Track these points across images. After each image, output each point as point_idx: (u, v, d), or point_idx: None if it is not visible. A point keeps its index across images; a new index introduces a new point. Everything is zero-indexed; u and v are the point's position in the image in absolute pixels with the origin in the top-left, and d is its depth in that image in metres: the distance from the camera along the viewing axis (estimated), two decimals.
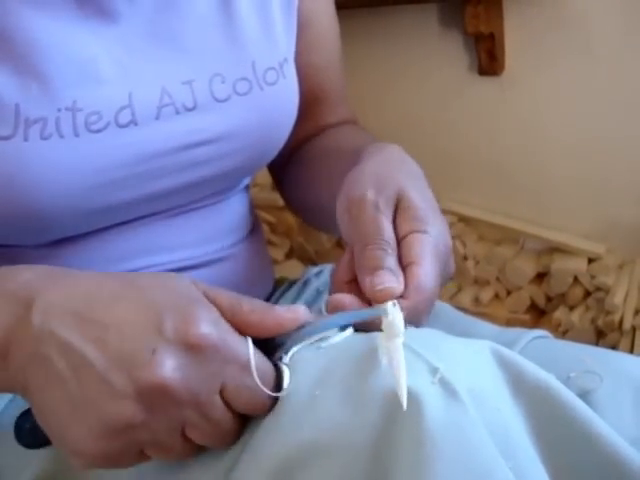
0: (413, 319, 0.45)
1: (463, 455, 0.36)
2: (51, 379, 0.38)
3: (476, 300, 1.29)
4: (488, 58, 1.11)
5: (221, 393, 0.39)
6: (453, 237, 1.34)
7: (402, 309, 0.42)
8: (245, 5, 0.58)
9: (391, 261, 0.45)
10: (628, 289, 1.15)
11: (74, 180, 0.50)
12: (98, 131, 0.50)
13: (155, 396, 0.37)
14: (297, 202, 0.76)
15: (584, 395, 0.49)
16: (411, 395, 0.37)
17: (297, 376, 0.40)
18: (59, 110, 0.49)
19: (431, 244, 0.47)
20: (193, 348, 0.37)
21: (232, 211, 0.67)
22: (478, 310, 1.25)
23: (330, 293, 0.48)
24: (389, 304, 0.42)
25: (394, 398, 0.37)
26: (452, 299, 1.29)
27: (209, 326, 0.38)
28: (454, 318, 0.68)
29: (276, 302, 0.72)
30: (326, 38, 0.70)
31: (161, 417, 0.38)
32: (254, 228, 0.72)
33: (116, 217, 0.56)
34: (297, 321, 0.42)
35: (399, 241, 0.47)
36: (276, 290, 0.75)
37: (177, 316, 0.38)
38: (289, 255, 1.48)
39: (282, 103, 0.61)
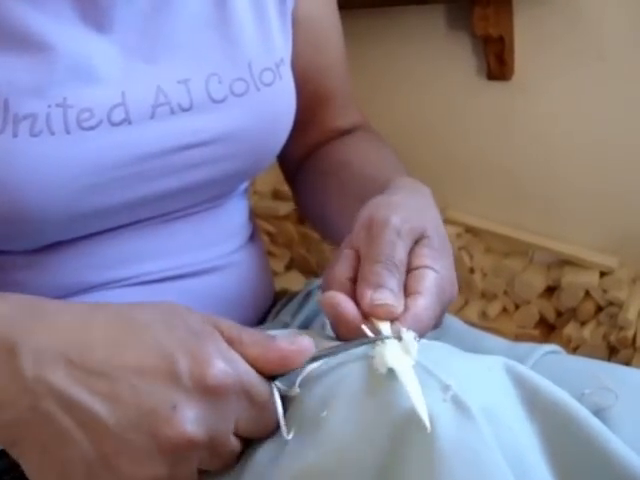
0: None
1: (475, 476, 0.34)
2: (57, 438, 0.35)
3: (483, 314, 1.27)
4: (497, 62, 1.10)
5: (235, 427, 0.38)
6: (460, 248, 1.33)
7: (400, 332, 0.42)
8: (241, 5, 0.58)
9: (394, 283, 0.45)
10: None
11: (64, 179, 0.49)
12: (90, 128, 0.50)
13: (179, 451, 0.35)
14: (306, 209, 0.77)
15: (599, 412, 0.48)
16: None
17: (303, 397, 0.39)
18: (49, 106, 0.48)
19: (438, 284, 0.47)
20: (211, 392, 0.36)
21: (229, 217, 0.66)
22: (485, 325, 1.23)
23: (323, 291, 0.47)
24: (403, 329, 0.41)
25: (403, 418, 0.35)
26: (458, 313, 1.27)
27: (223, 363, 0.37)
28: (462, 332, 0.67)
29: (277, 314, 0.70)
30: (328, 38, 0.71)
31: (182, 467, 0.37)
32: (253, 237, 0.71)
33: (107, 222, 0.55)
34: (302, 354, 0.40)
35: (408, 272, 0.47)
36: (277, 302, 0.73)
37: (189, 358, 0.36)
38: (289, 266, 1.46)
39: (279, 104, 0.61)
